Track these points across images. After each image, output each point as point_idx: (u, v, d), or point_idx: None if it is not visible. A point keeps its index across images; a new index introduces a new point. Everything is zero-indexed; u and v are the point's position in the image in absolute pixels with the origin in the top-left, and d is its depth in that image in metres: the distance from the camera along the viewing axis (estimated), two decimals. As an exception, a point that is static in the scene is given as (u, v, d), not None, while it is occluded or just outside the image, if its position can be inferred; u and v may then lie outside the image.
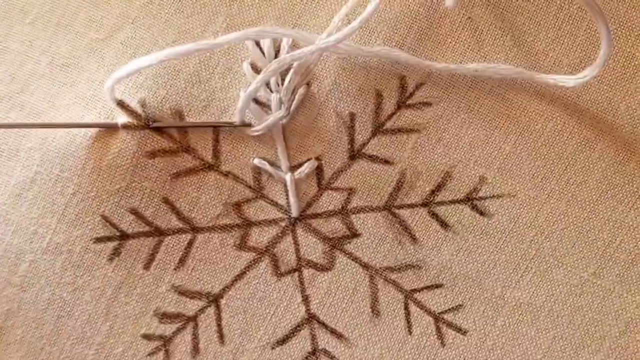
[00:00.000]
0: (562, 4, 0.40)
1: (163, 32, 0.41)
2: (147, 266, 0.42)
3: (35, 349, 0.43)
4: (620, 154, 0.41)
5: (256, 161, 0.41)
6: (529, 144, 0.41)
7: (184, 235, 0.42)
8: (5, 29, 0.42)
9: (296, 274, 0.43)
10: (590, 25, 0.40)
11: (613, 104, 0.41)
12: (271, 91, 0.41)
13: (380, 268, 0.42)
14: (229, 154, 0.41)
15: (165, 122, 0.41)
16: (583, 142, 0.41)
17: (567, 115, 0.41)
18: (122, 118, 0.41)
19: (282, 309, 0.43)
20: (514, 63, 0.41)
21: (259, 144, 0.42)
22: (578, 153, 0.41)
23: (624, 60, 0.41)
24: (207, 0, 0.41)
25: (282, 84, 0.41)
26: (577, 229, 0.41)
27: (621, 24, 0.40)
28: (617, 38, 0.40)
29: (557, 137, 0.41)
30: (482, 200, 0.42)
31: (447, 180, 0.42)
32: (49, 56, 0.42)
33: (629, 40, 0.40)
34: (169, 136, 0.41)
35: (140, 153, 0.41)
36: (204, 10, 0.41)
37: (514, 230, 0.42)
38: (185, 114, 0.41)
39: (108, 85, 0.39)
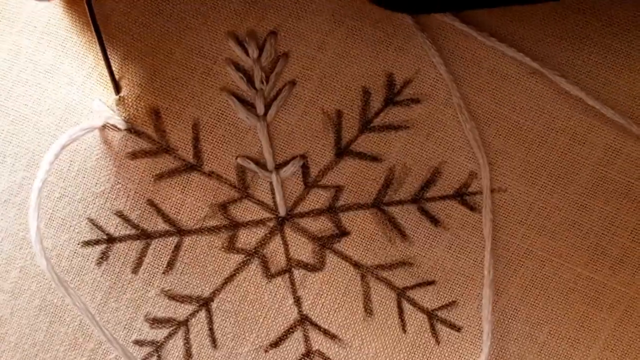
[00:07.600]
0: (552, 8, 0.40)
1: (143, 36, 0.41)
2: (135, 270, 0.42)
3: (29, 355, 0.43)
4: (611, 148, 0.41)
5: (239, 160, 0.41)
6: (519, 140, 0.41)
7: (170, 238, 0.42)
8: None
9: (287, 275, 0.42)
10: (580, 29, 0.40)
11: (603, 98, 0.40)
12: (255, 89, 0.41)
13: (371, 266, 0.42)
14: (210, 153, 0.41)
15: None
16: (573, 137, 0.41)
17: (557, 110, 0.41)
18: (99, 120, 0.41)
19: (274, 311, 0.43)
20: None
21: (241, 143, 0.41)
22: (569, 147, 0.41)
23: (614, 56, 0.40)
24: (184, 5, 0.40)
25: (267, 82, 0.41)
26: (569, 223, 0.41)
27: (607, 22, 0.40)
28: (610, 36, 0.40)
29: (548, 132, 0.41)
30: (473, 196, 0.41)
31: (436, 176, 0.41)
32: (34, 63, 0.42)
33: (619, 37, 0.40)
34: (147, 136, 0.41)
35: (121, 154, 0.41)
36: (183, 14, 0.41)
37: (506, 225, 0.41)
38: (162, 113, 0.41)
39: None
